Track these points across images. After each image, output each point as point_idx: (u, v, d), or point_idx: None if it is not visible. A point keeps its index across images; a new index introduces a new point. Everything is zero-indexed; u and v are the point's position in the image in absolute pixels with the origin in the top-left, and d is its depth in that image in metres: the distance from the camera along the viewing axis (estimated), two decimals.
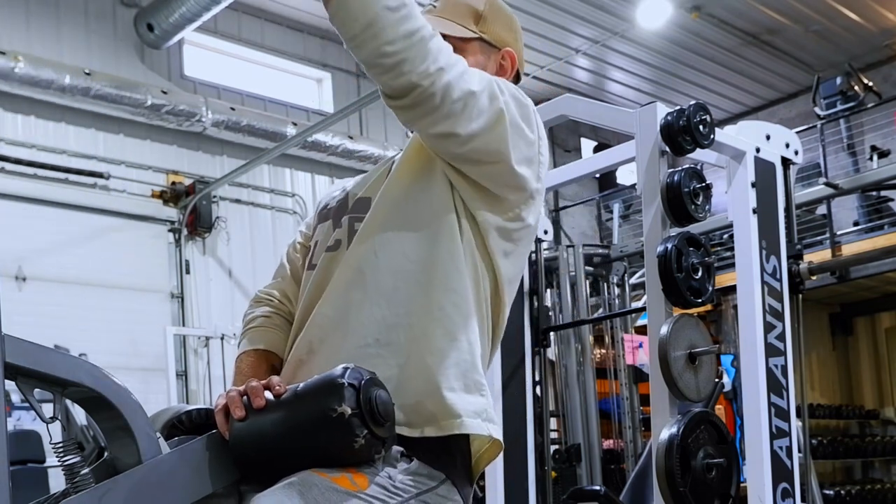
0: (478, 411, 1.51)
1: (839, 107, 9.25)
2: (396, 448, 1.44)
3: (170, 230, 8.83)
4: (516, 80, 1.78)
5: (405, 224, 1.56)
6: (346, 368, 1.36)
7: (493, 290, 1.61)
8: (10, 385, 1.17)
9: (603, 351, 7.54)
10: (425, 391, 1.49)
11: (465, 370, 1.52)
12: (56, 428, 1.31)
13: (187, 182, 8.91)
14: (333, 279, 1.57)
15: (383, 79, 1.42)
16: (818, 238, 8.85)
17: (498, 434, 1.55)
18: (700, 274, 2.39)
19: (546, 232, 3.59)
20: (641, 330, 7.20)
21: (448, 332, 1.52)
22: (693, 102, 2.49)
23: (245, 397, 1.39)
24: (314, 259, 1.67)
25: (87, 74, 7.99)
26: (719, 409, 7.15)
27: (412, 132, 1.61)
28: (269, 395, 1.39)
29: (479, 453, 1.58)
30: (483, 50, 1.70)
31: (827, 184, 8.39)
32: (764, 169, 2.70)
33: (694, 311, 2.45)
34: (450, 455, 1.50)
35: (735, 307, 3.10)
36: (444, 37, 1.59)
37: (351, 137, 9.81)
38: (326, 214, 1.71)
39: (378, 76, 1.42)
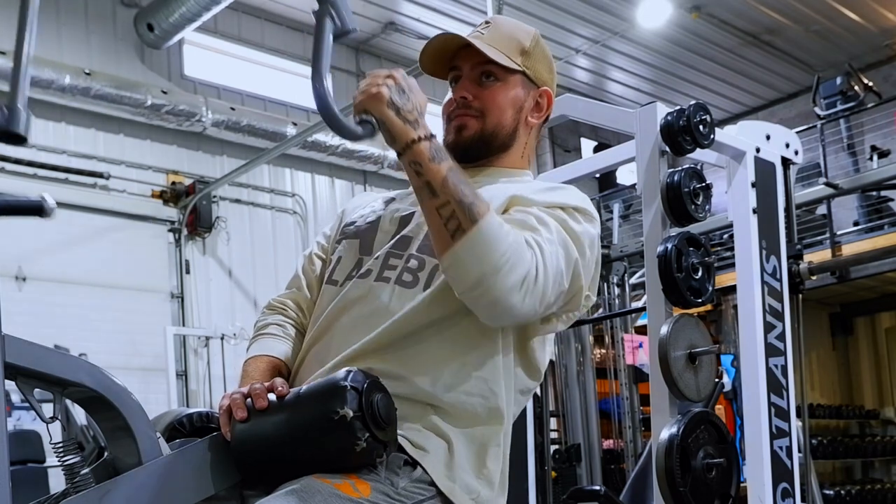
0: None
1: (839, 107, 9.25)
2: (399, 455, 1.43)
3: (170, 230, 8.83)
4: (546, 119, 1.79)
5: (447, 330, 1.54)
6: (348, 372, 1.36)
7: (529, 375, 1.66)
8: (10, 385, 1.17)
9: (603, 351, 7.54)
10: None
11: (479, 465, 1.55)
12: (56, 428, 1.31)
13: (187, 182, 8.91)
14: (358, 306, 1.57)
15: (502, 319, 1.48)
16: (818, 238, 8.84)
17: None
18: (700, 274, 2.39)
19: None
20: (641, 330, 7.21)
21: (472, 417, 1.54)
22: (693, 102, 2.49)
23: (248, 399, 1.39)
24: (335, 275, 1.66)
25: (87, 74, 7.99)
26: (719, 409, 7.15)
27: None
28: (272, 396, 1.40)
29: None
30: (524, 84, 1.70)
31: (827, 184, 8.39)
32: (764, 169, 2.70)
33: (694, 311, 2.45)
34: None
35: (735, 307, 3.10)
36: (490, 63, 1.64)
37: None
38: (355, 233, 1.70)
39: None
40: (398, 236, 1.63)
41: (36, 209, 1.23)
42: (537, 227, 1.49)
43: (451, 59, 1.71)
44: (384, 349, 1.51)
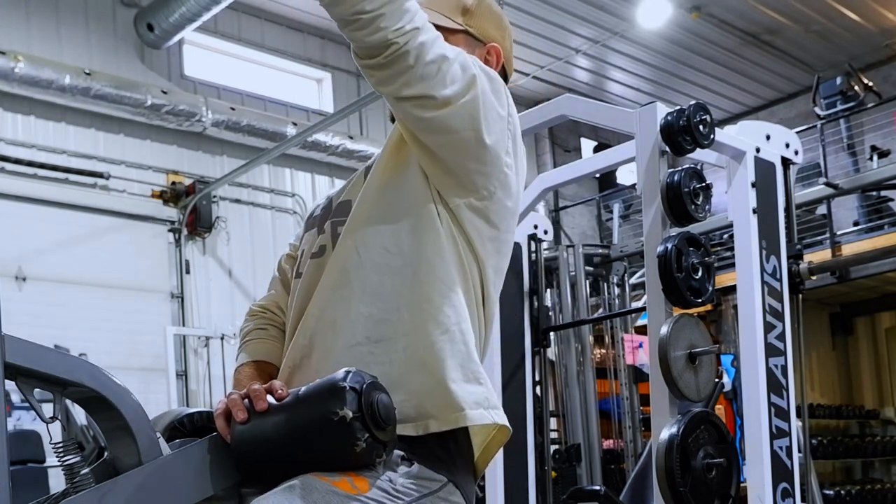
0: (479, 401, 1.50)
1: (839, 107, 9.25)
2: (397, 452, 1.43)
3: (170, 230, 8.83)
4: (504, 78, 1.77)
5: (385, 219, 1.55)
6: (347, 372, 1.36)
7: (480, 278, 1.59)
8: (10, 385, 1.17)
9: (603, 351, 7.54)
10: (424, 386, 1.47)
11: (462, 361, 1.51)
12: (56, 428, 1.30)
13: (187, 182, 8.91)
14: (320, 283, 1.57)
15: (358, 34, 1.42)
16: (818, 238, 8.85)
17: (502, 419, 1.53)
18: (700, 274, 2.39)
19: (546, 232, 3.59)
20: (641, 330, 7.21)
21: (440, 323, 1.50)
22: (693, 102, 2.49)
23: (247, 400, 1.39)
24: (301, 267, 1.66)
25: (87, 74, 7.99)
26: (719, 409, 7.15)
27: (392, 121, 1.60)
28: (271, 398, 1.39)
29: (485, 443, 1.58)
30: (468, 43, 1.70)
31: (827, 184, 8.40)
32: (764, 169, 2.70)
33: (694, 311, 2.45)
34: (450, 455, 1.49)
35: (735, 307, 3.10)
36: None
37: (351, 137, 9.82)
38: (312, 223, 1.72)
39: (353, 32, 1.42)
40: (339, 202, 1.65)
41: None
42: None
43: None
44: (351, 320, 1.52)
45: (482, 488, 3.31)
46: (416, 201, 1.55)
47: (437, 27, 1.59)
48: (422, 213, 1.54)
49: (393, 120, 1.63)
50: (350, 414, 1.31)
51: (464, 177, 1.55)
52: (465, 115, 1.51)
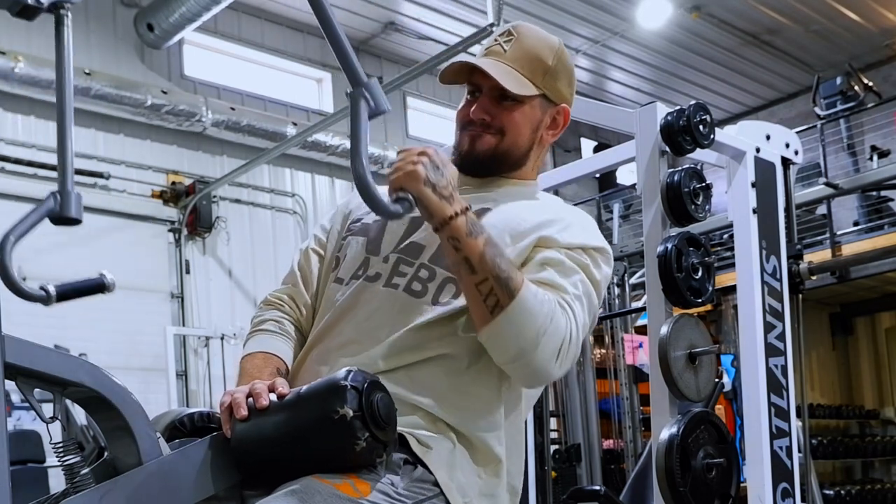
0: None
1: (839, 107, 9.25)
2: (399, 455, 1.43)
3: (170, 230, 8.83)
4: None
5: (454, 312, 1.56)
6: (349, 371, 1.36)
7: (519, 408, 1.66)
8: (10, 385, 1.17)
9: (603, 351, 7.54)
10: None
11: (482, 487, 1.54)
12: (56, 428, 1.31)
13: (187, 182, 8.90)
14: (365, 310, 1.58)
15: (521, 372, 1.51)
16: (818, 238, 8.85)
17: None
18: (700, 274, 2.39)
19: None
20: (641, 330, 7.21)
21: (484, 443, 1.55)
22: (693, 102, 2.49)
23: (249, 398, 1.39)
24: (341, 273, 1.66)
25: (87, 74, 7.99)
26: (719, 409, 7.15)
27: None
28: (272, 396, 1.40)
29: None
30: (542, 105, 1.69)
31: (827, 184, 8.40)
32: (764, 169, 2.70)
33: (694, 311, 2.45)
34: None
35: (735, 307, 3.10)
36: (505, 91, 1.62)
37: None
38: (362, 230, 1.70)
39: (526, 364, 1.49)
40: (408, 241, 1.63)
41: (98, 287, 1.28)
42: (564, 284, 1.52)
43: (470, 71, 1.68)
44: (387, 360, 1.53)
45: None
46: None
47: (514, 94, 1.62)
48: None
49: None
50: (350, 412, 1.31)
51: None
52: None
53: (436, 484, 1.45)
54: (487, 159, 1.67)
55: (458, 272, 1.47)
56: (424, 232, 1.62)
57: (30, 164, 7.95)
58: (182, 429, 1.48)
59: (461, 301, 1.53)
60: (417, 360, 1.53)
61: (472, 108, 1.67)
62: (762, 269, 2.61)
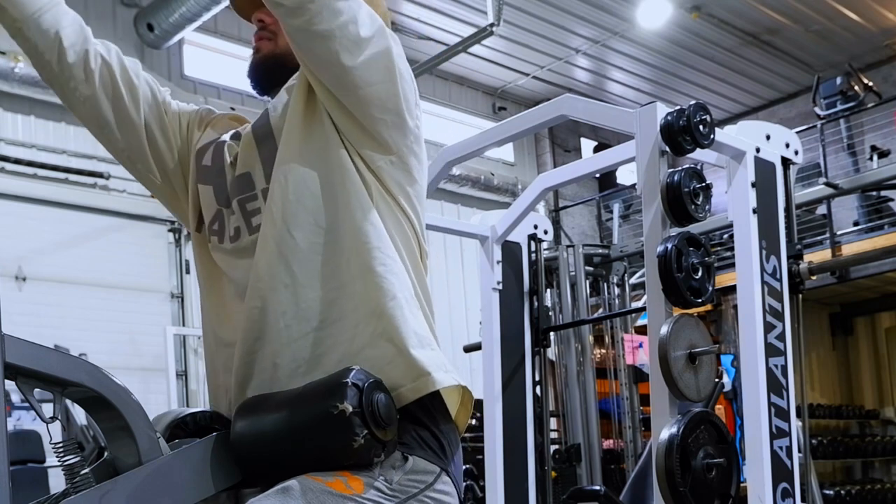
0: (440, 365, 1.48)
1: (839, 107, 9.26)
2: (395, 454, 1.44)
3: (170, 230, 8.83)
4: None
5: (310, 193, 1.51)
6: (351, 370, 1.36)
7: (414, 232, 1.58)
8: (10, 385, 1.17)
9: (603, 351, 7.54)
10: (386, 357, 1.45)
11: (415, 327, 1.49)
12: (56, 428, 1.30)
13: None
14: (255, 273, 1.50)
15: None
16: (818, 238, 8.85)
17: (464, 381, 1.51)
18: (700, 274, 2.39)
19: (546, 232, 3.59)
20: (641, 330, 7.21)
21: (386, 291, 1.47)
22: (693, 102, 2.49)
23: None
24: (211, 234, 1.60)
25: None
26: (719, 409, 7.16)
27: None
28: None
29: (458, 404, 1.55)
30: None
31: (827, 184, 8.40)
32: (764, 169, 2.70)
33: (694, 311, 2.45)
34: (433, 419, 1.48)
35: (735, 307, 3.10)
36: None
37: None
38: (206, 176, 1.63)
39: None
40: (236, 176, 1.58)
41: None
42: None
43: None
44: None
45: (482, 488, 3.31)
46: (339, 170, 1.51)
47: None
48: (346, 181, 1.51)
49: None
50: (349, 408, 1.31)
51: (384, 135, 1.53)
52: (380, 68, 1.50)
53: (427, 472, 1.45)
54: (264, 62, 1.67)
55: None
56: (242, 157, 1.58)
57: (30, 164, 7.96)
58: (183, 429, 1.48)
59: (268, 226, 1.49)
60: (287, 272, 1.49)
61: (254, 14, 1.68)
62: (762, 269, 2.61)
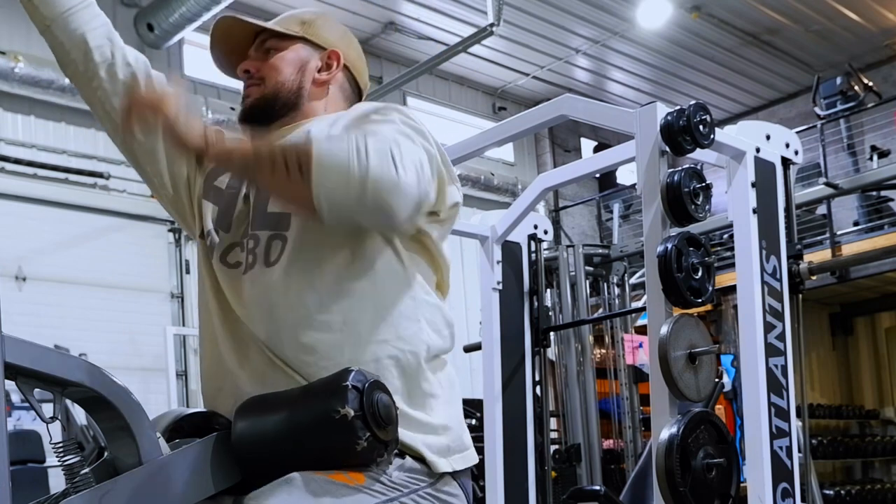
0: (439, 450, 1.51)
1: (839, 107, 9.25)
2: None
3: (170, 230, 8.83)
4: (358, 92, 1.78)
5: (334, 244, 1.52)
6: (350, 371, 1.36)
7: (438, 270, 1.63)
8: (10, 385, 1.17)
9: (603, 351, 7.54)
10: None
11: (410, 388, 1.51)
12: (56, 428, 1.31)
13: None
14: (272, 311, 1.51)
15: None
16: (818, 238, 8.85)
17: (462, 464, 1.54)
18: (700, 274, 2.39)
19: (546, 232, 3.58)
20: (641, 330, 7.21)
21: (392, 356, 1.50)
22: (693, 102, 2.48)
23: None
24: (213, 256, 1.62)
25: None
26: (719, 409, 7.16)
27: None
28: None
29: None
30: (306, 49, 1.71)
31: (827, 184, 8.40)
32: (764, 169, 2.70)
33: (694, 311, 2.45)
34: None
35: (735, 307, 3.10)
36: (269, 36, 1.67)
37: None
38: (214, 197, 1.68)
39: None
40: (266, 213, 1.59)
41: None
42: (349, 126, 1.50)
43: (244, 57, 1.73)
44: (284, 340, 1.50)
45: (482, 488, 3.31)
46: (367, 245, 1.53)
47: (275, 34, 1.67)
48: (366, 235, 1.53)
49: None
50: (351, 413, 1.31)
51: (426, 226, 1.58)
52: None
53: (428, 474, 1.46)
54: (256, 107, 1.69)
55: (252, 176, 1.45)
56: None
57: (30, 164, 7.95)
58: (182, 429, 1.48)
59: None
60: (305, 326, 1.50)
61: (239, 66, 1.72)
62: (762, 269, 2.61)
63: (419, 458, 1.46)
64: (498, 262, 3.35)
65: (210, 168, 1.73)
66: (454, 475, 1.51)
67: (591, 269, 7.46)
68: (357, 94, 1.79)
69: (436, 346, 1.56)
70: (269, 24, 1.71)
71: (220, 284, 1.60)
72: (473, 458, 1.55)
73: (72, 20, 1.66)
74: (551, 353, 6.54)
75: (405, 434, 1.44)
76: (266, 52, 1.70)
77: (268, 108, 1.69)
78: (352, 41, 1.79)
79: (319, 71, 1.71)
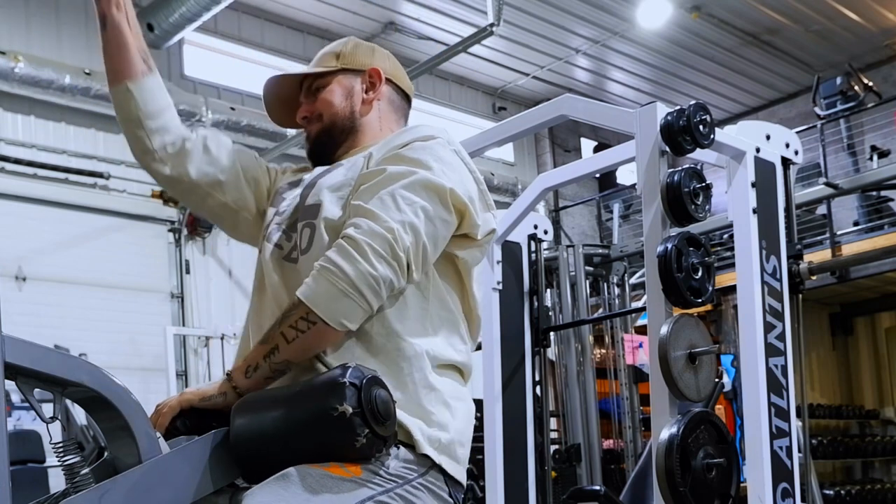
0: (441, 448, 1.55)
1: (839, 107, 9.25)
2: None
3: (170, 230, 8.83)
4: (406, 96, 1.92)
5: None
6: (346, 368, 1.36)
7: (463, 293, 1.72)
8: (10, 385, 1.17)
9: (603, 351, 7.54)
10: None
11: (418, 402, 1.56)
12: (56, 428, 1.31)
13: None
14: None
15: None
16: (818, 238, 8.85)
17: (456, 473, 1.58)
18: (700, 274, 2.39)
19: (546, 232, 3.59)
20: (641, 330, 7.21)
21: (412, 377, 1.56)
22: (693, 102, 2.48)
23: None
24: (269, 238, 1.77)
25: (87, 74, 7.99)
26: (719, 409, 7.15)
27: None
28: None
29: None
30: (348, 77, 1.85)
31: (827, 184, 8.40)
32: (764, 169, 2.70)
33: (694, 311, 2.45)
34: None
35: (735, 307, 3.10)
36: (311, 79, 1.83)
37: None
38: (279, 199, 1.85)
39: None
40: (309, 205, 1.72)
41: None
42: (374, 210, 1.56)
43: (286, 110, 1.93)
44: None
45: (482, 488, 3.31)
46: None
47: (318, 75, 1.82)
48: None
49: None
50: (350, 410, 1.32)
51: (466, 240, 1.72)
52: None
53: (420, 463, 1.48)
54: (319, 140, 1.84)
55: (284, 364, 1.50)
56: (318, 190, 1.73)
57: (30, 164, 7.96)
58: (182, 428, 1.48)
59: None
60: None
61: (297, 116, 1.88)
62: (762, 269, 2.61)
63: (411, 447, 1.48)
64: (498, 262, 3.35)
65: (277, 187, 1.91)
66: (443, 472, 1.52)
67: (591, 269, 7.46)
68: (406, 99, 1.93)
69: (446, 354, 1.62)
70: (309, 70, 1.86)
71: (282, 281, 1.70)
72: (461, 473, 1.58)
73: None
74: (551, 353, 6.54)
75: (402, 416, 1.47)
76: (315, 93, 1.85)
77: (329, 139, 1.83)
78: (384, 54, 1.92)
79: (366, 91, 1.86)
